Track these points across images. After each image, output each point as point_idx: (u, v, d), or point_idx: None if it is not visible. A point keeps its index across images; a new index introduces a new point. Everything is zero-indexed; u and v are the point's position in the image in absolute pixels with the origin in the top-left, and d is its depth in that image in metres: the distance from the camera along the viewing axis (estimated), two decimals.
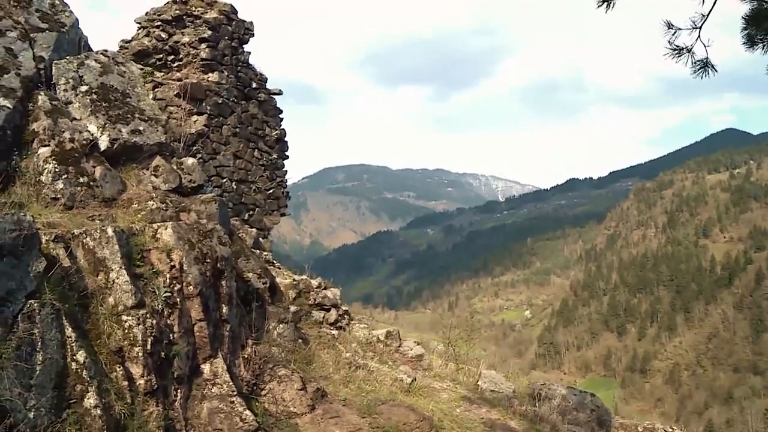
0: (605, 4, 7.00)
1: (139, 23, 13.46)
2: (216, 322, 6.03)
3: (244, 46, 14.25)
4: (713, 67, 6.89)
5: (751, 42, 6.57)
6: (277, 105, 15.20)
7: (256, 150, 14.33)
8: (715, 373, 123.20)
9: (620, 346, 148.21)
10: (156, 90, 12.31)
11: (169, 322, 5.32)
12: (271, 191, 14.69)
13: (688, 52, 6.88)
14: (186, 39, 13.11)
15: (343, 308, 10.45)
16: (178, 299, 5.46)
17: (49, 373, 4.07)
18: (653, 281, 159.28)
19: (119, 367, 4.70)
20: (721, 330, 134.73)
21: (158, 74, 12.83)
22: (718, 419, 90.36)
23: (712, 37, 6.81)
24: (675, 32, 6.88)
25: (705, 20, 6.70)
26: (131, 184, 6.62)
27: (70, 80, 6.67)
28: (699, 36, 6.78)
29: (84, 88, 6.71)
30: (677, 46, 6.89)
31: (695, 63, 6.91)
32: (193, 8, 13.32)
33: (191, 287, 5.67)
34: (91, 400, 4.26)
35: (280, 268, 10.79)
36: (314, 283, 10.27)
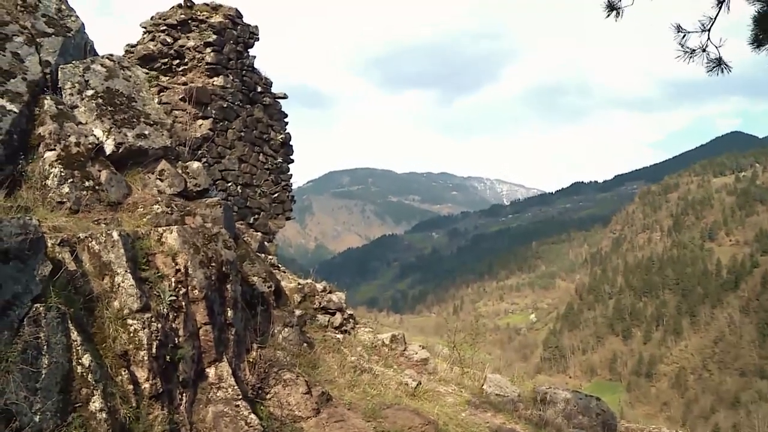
0: (614, 12, 6.99)
1: (145, 28, 13.52)
2: (221, 326, 6.03)
3: (249, 50, 14.28)
4: (727, 66, 6.88)
5: (758, 43, 6.57)
6: (282, 109, 15.23)
7: (261, 154, 14.35)
8: (721, 377, 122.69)
9: (626, 349, 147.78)
10: (161, 94, 12.35)
11: (174, 325, 5.32)
12: (276, 195, 14.71)
13: (703, 51, 6.87)
14: (191, 43, 13.15)
15: (348, 312, 10.45)
16: (183, 303, 5.46)
17: (54, 376, 4.08)
18: (659, 285, 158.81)
19: (124, 371, 4.70)
20: (728, 334, 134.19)
21: (163, 78, 12.87)
22: (724, 423, 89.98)
23: (718, 40, 6.82)
24: (684, 35, 6.88)
25: (713, 23, 6.70)
26: (136, 188, 6.63)
27: (76, 84, 6.69)
28: (709, 38, 6.79)
29: (90, 92, 6.73)
30: (690, 48, 6.89)
31: (709, 62, 6.90)
32: (199, 12, 13.36)
33: (196, 291, 5.68)
34: (96, 403, 4.27)
35: (285, 272, 10.79)
36: (319, 286, 10.27)
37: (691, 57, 6.92)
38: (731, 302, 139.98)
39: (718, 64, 6.88)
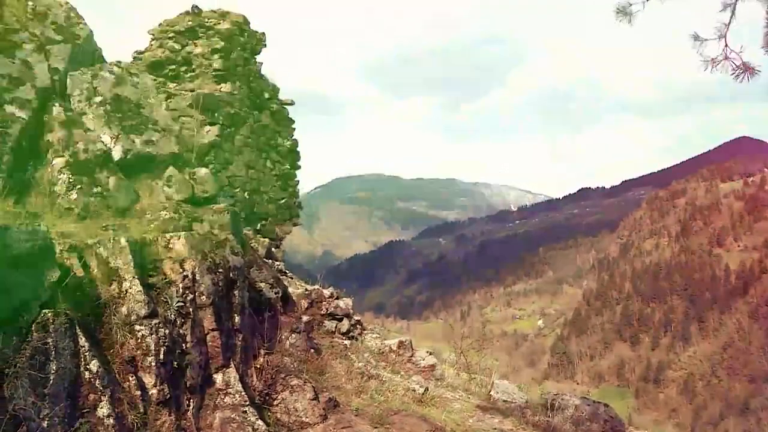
0: (626, 18, 6.95)
1: (153, 34, 13.57)
2: (228, 332, 6.03)
3: (256, 56, 14.32)
4: (755, 70, 6.79)
5: None
6: (289, 115, 15.26)
7: (268, 160, 14.37)
8: (730, 384, 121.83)
9: (634, 355, 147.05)
10: (169, 100, 12.39)
11: (181, 331, 5.33)
12: (283, 201, 14.73)
13: (725, 59, 6.80)
14: (199, 50, 13.20)
15: (356, 318, 10.44)
16: (190, 309, 5.47)
17: (62, 382, 4.09)
18: (667, 290, 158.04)
19: (132, 377, 4.71)
20: (736, 339, 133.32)
21: (171, 85, 12.92)
22: (734, 430, 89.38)
23: (738, 47, 6.75)
24: (702, 43, 6.82)
25: (727, 28, 6.66)
26: (144, 195, 6.65)
27: (85, 91, 6.73)
28: (726, 44, 6.73)
29: (98, 99, 6.77)
30: (711, 57, 6.82)
31: (735, 68, 6.83)
32: (206, 19, 13.41)
33: (204, 297, 5.69)
34: (103, 409, 4.27)
35: (292, 278, 10.80)
36: (326, 292, 10.26)
37: (714, 66, 6.84)
38: (740, 308, 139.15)
39: (744, 70, 6.79)
